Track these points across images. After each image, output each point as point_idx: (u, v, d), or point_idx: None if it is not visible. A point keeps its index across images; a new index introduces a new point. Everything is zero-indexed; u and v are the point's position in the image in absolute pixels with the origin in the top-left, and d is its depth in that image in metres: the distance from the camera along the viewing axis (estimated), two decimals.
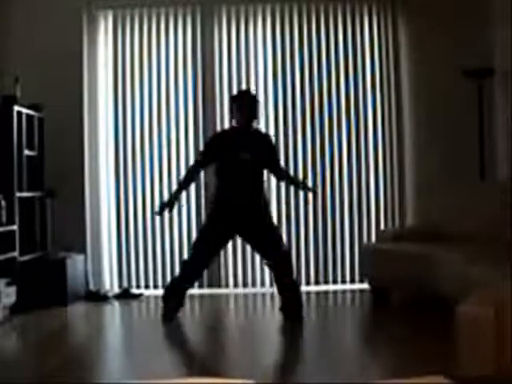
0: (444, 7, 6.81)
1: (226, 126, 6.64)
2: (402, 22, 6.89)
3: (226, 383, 2.05)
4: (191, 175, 5.50)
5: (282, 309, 5.43)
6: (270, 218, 5.50)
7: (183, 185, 5.53)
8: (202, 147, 6.19)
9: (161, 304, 5.52)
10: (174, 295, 5.44)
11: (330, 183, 6.87)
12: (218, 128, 6.74)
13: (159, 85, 6.90)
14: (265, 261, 5.50)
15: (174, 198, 5.44)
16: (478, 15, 6.78)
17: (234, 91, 6.70)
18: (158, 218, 6.82)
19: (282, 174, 5.68)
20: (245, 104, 5.39)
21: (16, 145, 6.04)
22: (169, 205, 5.40)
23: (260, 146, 5.48)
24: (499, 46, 6.62)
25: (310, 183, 6.79)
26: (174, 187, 6.78)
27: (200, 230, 5.56)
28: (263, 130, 6.51)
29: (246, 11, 6.90)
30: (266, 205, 5.52)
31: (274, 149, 5.62)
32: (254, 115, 5.43)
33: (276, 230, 5.48)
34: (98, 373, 4.01)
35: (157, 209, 5.63)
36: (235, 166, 5.39)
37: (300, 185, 5.80)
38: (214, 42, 6.89)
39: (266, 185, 6.07)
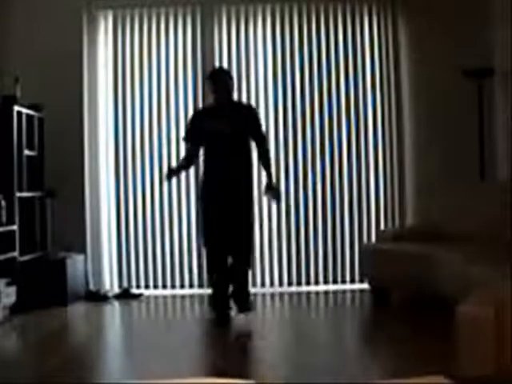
0: (444, 7, 6.81)
1: None
2: (402, 22, 6.89)
3: (226, 383, 2.05)
4: (190, 158, 5.66)
5: (232, 295, 5.49)
6: (250, 201, 5.49)
7: (182, 162, 5.69)
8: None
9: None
10: (215, 298, 5.45)
11: (330, 183, 6.87)
12: None
13: (159, 85, 6.90)
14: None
15: (178, 168, 5.63)
16: (478, 15, 6.78)
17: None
18: (157, 218, 6.82)
19: (260, 155, 5.60)
20: (216, 81, 5.45)
21: (16, 145, 6.04)
22: (175, 171, 5.60)
23: (240, 119, 5.47)
24: (499, 46, 6.61)
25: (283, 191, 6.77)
26: (174, 187, 6.82)
27: (199, 218, 5.63)
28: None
29: (246, 11, 6.90)
30: (250, 181, 5.52)
31: (257, 122, 5.55)
32: (228, 90, 5.46)
33: (250, 217, 5.47)
34: (98, 373, 4.01)
35: (164, 176, 5.77)
36: (212, 142, 5.45)
37: (269, 182, 5.60)
38: (213, 42, 6.89)
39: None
